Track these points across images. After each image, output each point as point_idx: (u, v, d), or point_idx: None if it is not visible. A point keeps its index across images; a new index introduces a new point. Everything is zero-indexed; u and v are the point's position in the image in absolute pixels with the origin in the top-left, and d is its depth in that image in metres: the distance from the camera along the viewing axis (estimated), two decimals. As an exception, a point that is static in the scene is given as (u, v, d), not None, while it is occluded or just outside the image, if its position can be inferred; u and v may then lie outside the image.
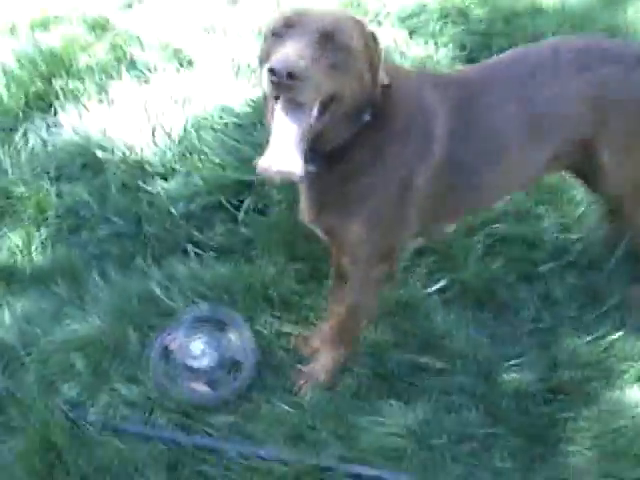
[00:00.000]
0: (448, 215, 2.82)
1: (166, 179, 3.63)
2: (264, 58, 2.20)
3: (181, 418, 2.70)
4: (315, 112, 2.14)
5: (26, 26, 4.63)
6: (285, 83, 2.03)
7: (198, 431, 2.66)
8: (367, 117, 2.32)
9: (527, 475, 2.55)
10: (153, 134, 3.83)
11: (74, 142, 3.77)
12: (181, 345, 2.89)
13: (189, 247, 3.30)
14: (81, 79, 4.21)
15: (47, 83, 4.16)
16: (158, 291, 3.09)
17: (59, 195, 3.53)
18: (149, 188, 3.56)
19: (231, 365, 2.86)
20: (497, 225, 3.36)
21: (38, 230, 3.38)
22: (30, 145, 3.78)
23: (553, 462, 2.58)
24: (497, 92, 2.60)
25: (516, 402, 2.74)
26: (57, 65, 4.26)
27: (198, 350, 2.87)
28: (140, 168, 3.68)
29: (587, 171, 2.87)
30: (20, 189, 3.54)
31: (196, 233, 3.36)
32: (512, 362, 2.86)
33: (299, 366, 2.87)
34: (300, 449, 2.58)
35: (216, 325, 2.96)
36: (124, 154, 3.73)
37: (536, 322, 3.03)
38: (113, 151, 3.75)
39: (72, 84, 4.16)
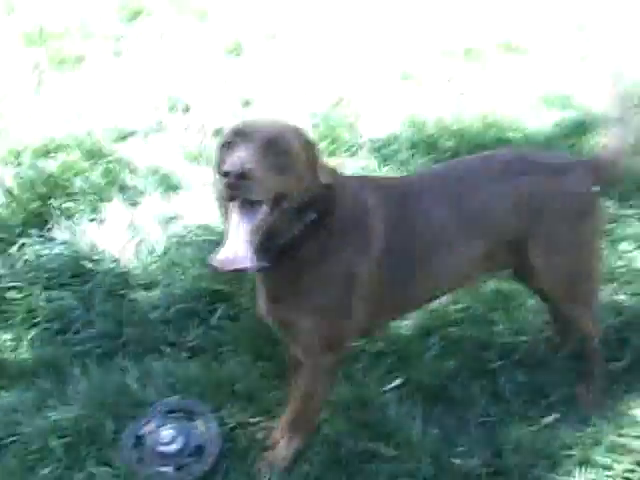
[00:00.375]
0: (393, 309, 3.08)
1: (148, 289, 3.93)
2: (218, 167, 2.53)
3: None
4: (265, 210, 2.42)
5: (29, 153, 5.03)
6: (237, 184, 2.33)
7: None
8: (313, 215, 2.62)
9: None
10: (137, 249, 4.17)
11: (66, 254, 4.08)
12: (152, 432, 3.12)
13: (165, 347, 3.57)
14: (76, 200, 4.57)
15: (44, 203, 4.51)
16: (134, 385, 3.33)
17: (49, 300, 3.81)
18: (132, 296, 3.86)
19: (197, 451, 3.08)
20: (452, 328, 3.64)
21: (28, 330, 3.65)
22: (25, 256, 4.09)
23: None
24: (432, 195, 2.94)
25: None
26: (54, 187, 4.64)
27: (168, 437, 3.09)
28: (125, 279, 3.98)
29: (524, 272, 3.17)
30: (13, 294, 3.83)
31: (172, 335, 3.64)
32: (459, 449, 3.08)
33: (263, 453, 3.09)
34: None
35: (185, 415, 3.20)
36: (111, 266, 4.05)
37: (484, 415, 3.26)
38: (101, 263, 4.06)
39: (67, 204, 4.52)
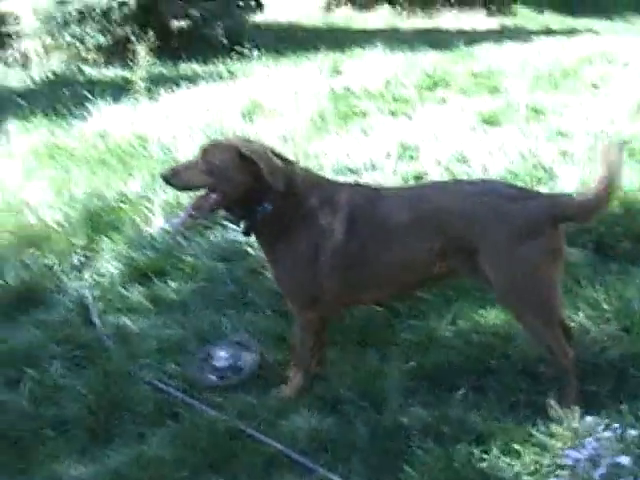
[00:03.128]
0: (357, 290, 3.98)
1: None
2: None
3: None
4: (214, 197, 3.83)
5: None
6: (164, 179, 3.84)
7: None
8: (268, 207, 3.79)
9: None
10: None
11: None
12: (216, 353, 4.34)
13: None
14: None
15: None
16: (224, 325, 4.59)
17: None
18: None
19: (237, 370, 4.24)
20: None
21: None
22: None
23: None
24: (394, 201, 3.88)
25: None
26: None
27: (223, 357, 4.29)
28: None
29: (481, 281, 3.87)
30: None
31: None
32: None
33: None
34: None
35: (244, 347, 4.36)
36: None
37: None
38: None
39: None
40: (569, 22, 18.14)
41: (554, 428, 3.38)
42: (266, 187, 3.75)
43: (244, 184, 3.77)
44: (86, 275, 5.38)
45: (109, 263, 5.49)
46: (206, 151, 3.85)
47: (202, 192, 3.90)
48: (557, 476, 3.17)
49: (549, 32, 16.35)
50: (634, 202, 5.88)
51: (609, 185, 3.69)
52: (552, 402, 3.52)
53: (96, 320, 4.79)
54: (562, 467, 3.17)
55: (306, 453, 3.60)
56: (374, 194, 3.97)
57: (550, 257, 3.71)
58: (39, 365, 4.33)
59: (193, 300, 4.97)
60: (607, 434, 3.07)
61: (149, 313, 4.90)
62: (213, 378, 4.22)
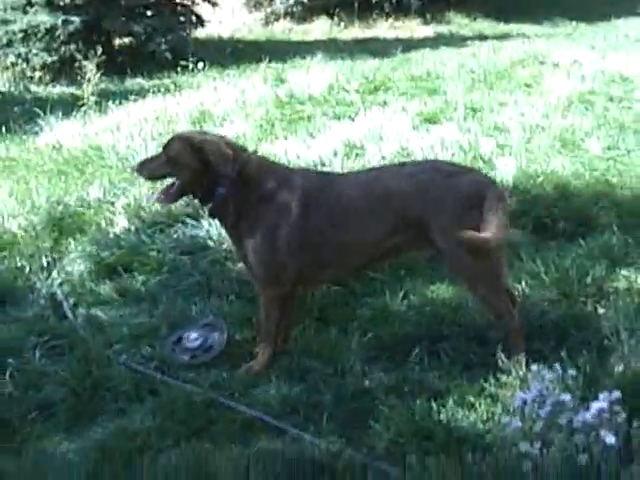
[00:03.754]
0: (318, 267, 4.30)
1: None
2: None
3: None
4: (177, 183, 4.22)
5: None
6: (134, 171, 4.34)
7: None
8: (222, 190, 4.14)
9: None
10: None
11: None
12: (187, 335, 4.62)
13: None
14: None
15: None
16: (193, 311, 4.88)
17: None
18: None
19: (207, 349, 4.52)
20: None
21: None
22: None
23: None
24: (346, 184, 4.23)
25: None
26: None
27: (193, 338, 4.57)
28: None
29: (432, 253, 4.24)
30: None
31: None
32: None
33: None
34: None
35: (212, 328, 4.65)
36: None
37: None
38: None
39: None
40: (501, 28, 18.80)
41: (503, 379, 3.74)
42: (220, 173, 4.10)
43: (197, 171, 4.14)
44: (55, 274, 5.60)
45: (76, 262, 5.74)
46: (166, 144, 4.26)
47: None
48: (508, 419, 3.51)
49: (483, 37, 16.98)
50: (567, 186, 6.33)
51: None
52: (501, 355, 3.86)
53: (69, 313, 5.03)
54: (512, 412, 3.52)
55: (278, 417, 3.90)
56: (327, 178, 4.34)
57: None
58: (20, 356, 4.55)
59: (160, 291, 5.25)
60: (550, 376, 3.43)
61: (119, 305, 5.18)
62: (185, 357, 4.50)
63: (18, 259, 5.84)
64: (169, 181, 4.36)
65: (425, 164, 4.53)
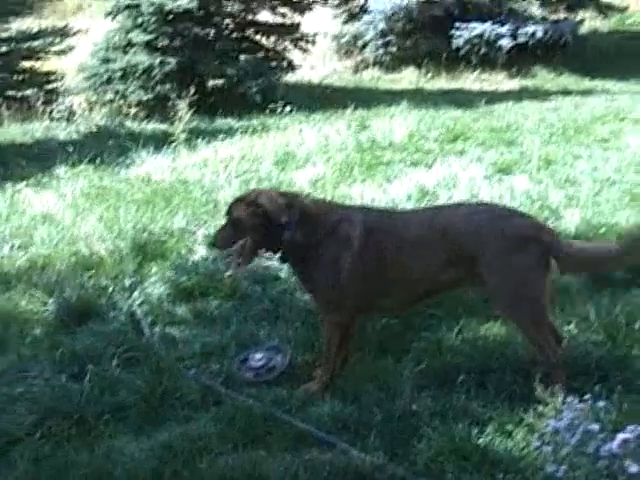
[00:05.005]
0: (376, 297, 4.64)
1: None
2: None
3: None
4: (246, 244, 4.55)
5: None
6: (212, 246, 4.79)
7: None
8: (287, 234, 4.50)
9: None
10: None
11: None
12: (253, 356, 4.98)
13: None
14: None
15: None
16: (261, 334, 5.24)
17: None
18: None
19: (270, 369, 4.88)
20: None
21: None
22: None
23: None
24: (407, 218, 4.59)
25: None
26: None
27: (257, 359, 4.93)
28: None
29: (481, 288, 4.53)
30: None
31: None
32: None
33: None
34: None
35: (276, 350, 5.01)
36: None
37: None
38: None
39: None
40: (586, 83, 18.87)
41: (540, 409, 3.99)
42: (279, 220, 4.50)
43: (260, 226, 4.53)
44: (136, 295, 6.04)
45: (156, 285, 6.18)
46: (228, 211, 4.69)
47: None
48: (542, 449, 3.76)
49: (566, 92, 17.10)
50: (630, 238, 6.50)
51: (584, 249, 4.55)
52: (539, 387, 4.10)
53: (146, 330, 5.45)
54: (544, 439, 3.77)
55: (329, 432, 4.22)
56: (386, 214, 4.72)
57: (538, 266, 4.35)
58: (99, 363, 4.98)
59: (232, 315, 5.64)
60: (580, 405, 3.67)
61: (193, 325, 5.59)
62: (250, 376, 4.87)
63: (103, 279, 6.31)
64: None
65: (479, 206, 4.87)
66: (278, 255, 4.73)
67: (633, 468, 3.38)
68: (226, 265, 5.07)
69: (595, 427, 3.56)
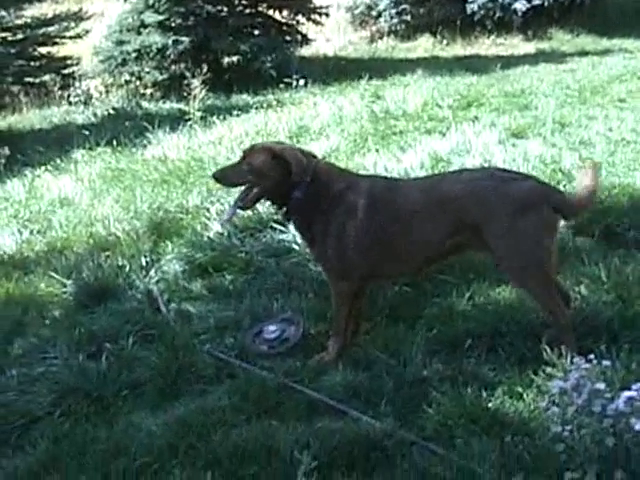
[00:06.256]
0: (383, 264, 4.66)
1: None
2: None
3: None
4: (255, 191, 4.59)
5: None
6: (214, 178, 4.66)
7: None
8: (298, 194, 4.51)
9: None
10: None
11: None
12: (267, 327, 5.05)
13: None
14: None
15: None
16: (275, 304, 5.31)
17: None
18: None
19: (284, 341, 4.94)
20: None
21: None
22: None
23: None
24: (411, 185, 4.61)
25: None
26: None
27: (271, 330, 5.00)
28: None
29: (488, 253, 4.54)
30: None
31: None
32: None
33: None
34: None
35: (290, 321, 5.06)
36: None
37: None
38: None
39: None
40: (604, 43, 18.73)
41: (548, 370, 4.01)
42: (298, 179, 4.49)
43: (278, 178, 4.53)
44: (152, 273, 6.12)
45: (172, 262, 6.26)
46: (246, 154, 4.64)
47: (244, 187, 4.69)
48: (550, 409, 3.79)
49: (583, 53, 16.99)
50: (641, 197, 6.51)
51: (591, 193, 4.47)
52: (547, 349, 4.13)
53: (162, 307, 5.53)
54: (551, 399, 3.80)
55: (341, 400, 4.28)
56: (391, 182, 4.73)
57: (543, 229, 4.37)
58: (116, 342, 5.07)
59: (246, 289, 5.70)
60: (587, 365, 3.69)
61: (208, 300, 5.66)
62: (264, 348, 4.93)
63: (120, 259, 6.39)
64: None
65: (482, 171, 4.87)
66: (282, 212, 4.77)
67: (638, 425, 3.41)
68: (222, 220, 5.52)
69: (601, 386, 3.58)
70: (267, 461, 3.79)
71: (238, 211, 4.88)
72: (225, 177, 4.74)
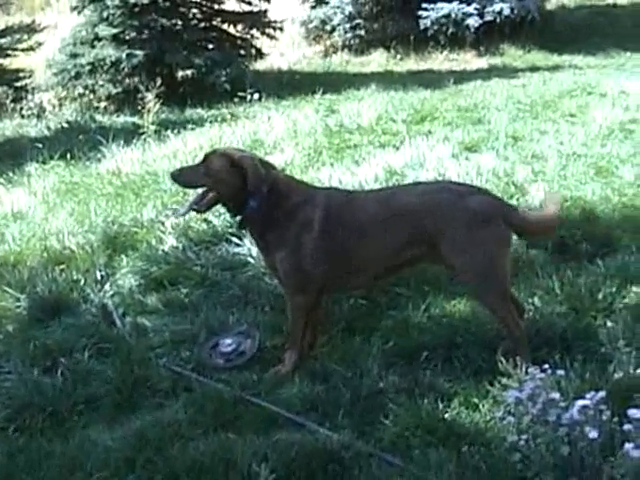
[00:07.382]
0: (341, 277, 4.69)
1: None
2: None
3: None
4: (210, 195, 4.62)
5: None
6: (172, 178, 4.73)
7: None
8: (253, 204, 4.53)
9: None
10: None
11: None
12: (223, 341, 5.03)
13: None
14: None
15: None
16: (231, 319, 5.30)
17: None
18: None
19: (240, 354, 4.93)
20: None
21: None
22: None
23: None
24: (366, 201, 4.63)
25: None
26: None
27: (227, 344, 4.98)
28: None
29: (444, 266, 4.59)
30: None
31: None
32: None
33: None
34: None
35: (246, 335, 5.06)
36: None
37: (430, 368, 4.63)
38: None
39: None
40: (554, 59, 19.01)
41: (505, 381, 4.06)
42: (254, 189, 4.51)
43: (234, 185, 4.54)
44: (107, 287, 6.08)
45: (127, 276, 6.22)
46: (207, 157, 4.65)
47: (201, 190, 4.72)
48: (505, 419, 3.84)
49: (534, 69, 17.23)
50: (593, 210, 6.63)
51: (554, 219, 4.61)
52: (502, 360, 4.17)
53: (118, 321, 5.49)
54: (510, 413, 3.84)
55: (298, 413, 4.29)
56: (348, 195, 4.75)
57: (499, 243, 4.43)
58: (71, 356, 5.02)
59: (202, 302, 5.67)
60: (541, 375, 3.74)
61: (164, 314, 5.62)
62: (220, 361, 4.92)
63: (75, 273, 6.33)
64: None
65: (438, 184, 4.92)
66: (236, 220, 4.81)
67: (593, 433, 3.46)
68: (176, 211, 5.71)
69: (556, 396, 3.64)
70: (225, 474, 3.78)
71: (192, 212, 4.97)
72: (182, 177, 4.76)
